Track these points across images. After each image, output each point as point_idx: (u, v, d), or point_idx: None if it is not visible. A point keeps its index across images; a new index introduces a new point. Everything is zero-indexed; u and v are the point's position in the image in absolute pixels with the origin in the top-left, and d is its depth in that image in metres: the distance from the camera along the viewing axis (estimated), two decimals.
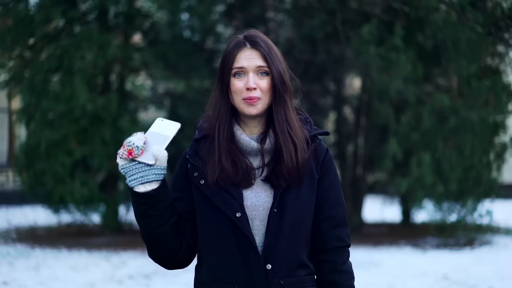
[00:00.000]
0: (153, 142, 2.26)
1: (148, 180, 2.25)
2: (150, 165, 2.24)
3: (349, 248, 2.45)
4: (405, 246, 11.99)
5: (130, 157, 2.24)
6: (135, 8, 13.72)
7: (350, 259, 2.44)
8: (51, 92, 12.29)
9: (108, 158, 12.60)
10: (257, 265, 2.29)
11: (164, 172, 2.27)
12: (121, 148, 2.26)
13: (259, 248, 2.31)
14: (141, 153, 2.23)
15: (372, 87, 12.68)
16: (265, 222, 2.32)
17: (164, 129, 2.29)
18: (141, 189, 2.26)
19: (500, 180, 12.42)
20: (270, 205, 2.32)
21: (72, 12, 12.90)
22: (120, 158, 2.26)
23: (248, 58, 2.34)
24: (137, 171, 2.25)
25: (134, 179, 2.25)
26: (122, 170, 2.27)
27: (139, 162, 2.24)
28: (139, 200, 2.28)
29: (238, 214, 2.29)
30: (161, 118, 2.31)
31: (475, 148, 11.64)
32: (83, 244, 11.79)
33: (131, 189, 2.28)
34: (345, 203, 2.46)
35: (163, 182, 2.29)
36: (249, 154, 2.36)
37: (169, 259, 2.41)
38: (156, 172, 2.25)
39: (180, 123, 2.34)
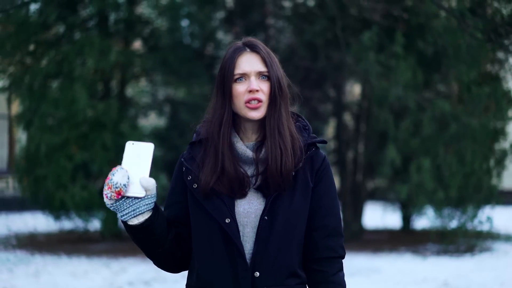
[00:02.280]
0: (133, 171, 2.22)
1: (140, 212, 2.24)
2: (140, 198, 2.23)
3: (343, 260, 2.42)
4: (405, 252, 11.98)
5: (120, 196, 2.21)
6: (135, 15, 13.76)
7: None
8: (51, 97, 12.31)
9: (109, 163, 12.60)
10: (244, 272, 2.27)
11: (154, 199, 2.26)
12: (106, 189, 2.20)
13: (249, 255, 2.29)
14: (128, 188, 2.21)
15: (372, 93, 12.69)
16: (256, 229, 2.30)
17: (140, 154, 2.24)
18: (134, 221, 2.25)
19: (500, 187, 12.41)
20: (261, 213, 2.31)
21: (73, 18, 12.93)
22: (109, 199, 2.21)
23: (249, 62, 2.34)
24: (127, 206, 2.23)
25: (126, 214, 2.23)
26: (112, 208, 2.24)
27: (128, 197, 2.22)
28: (134, 231, 2.27)
29: (227, 220, 2.28)
30: (131, 142, 2.25)
31: (476, 155, 11.64)
32: (83, 251, 11.77)
33: (124, 223, 2.27)
34: (340, 213, 2.43)
35: (155, 208, 2.28)
36: (244, 162, 2.35)
37: (176, 267, 2.44)
38: (146, 203, 2.24)
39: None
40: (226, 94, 2.35)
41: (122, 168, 2.21)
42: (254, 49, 2.36)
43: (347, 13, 12.71)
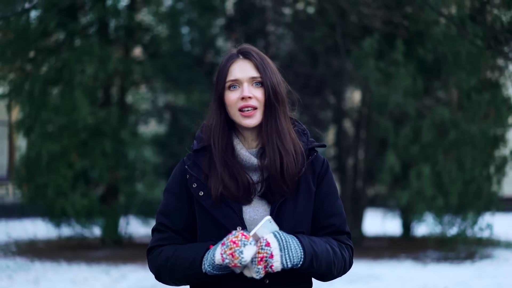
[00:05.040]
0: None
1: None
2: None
3: (353, 257, 2.44)
4: (405, 259, 11.96)
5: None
6: (135, 22, 13.78)
7: (350, 273, 2.43)
8: (51, 104, 12.32)
9: (109, 170, 12.60)
10: (255, 280, 2.27)
11: None
12: (228, 254, 2.18)
13: None
14: None
15: (372, 100, 12.69)
16: None
17: (265, 232, 2.24)
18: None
19: (500, 194, 12.40)
20: None
21: (73, 25, 12.94)
22: (223, 260, 2.20)
23: (241, 69, 2.35)
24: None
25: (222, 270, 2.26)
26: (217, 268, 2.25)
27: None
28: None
29: (238, 228, 2.29)
30: (270, 218, 2.24)
31: (475, 161, 11.64)
32: (83, 258, 11.76)
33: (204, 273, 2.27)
34: (344, 213, 2.44)
35: None
36: (249, 169, 2.36)
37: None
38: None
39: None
40: (221, 102, 2.37)
41: (254, 247, 2.19)
42: (246, 56, 2.37)
43: (347, 20, 12.73)
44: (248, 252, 2.15)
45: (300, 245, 2.23)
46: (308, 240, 2.26)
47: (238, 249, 2.15)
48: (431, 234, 12.79)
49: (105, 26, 13.37)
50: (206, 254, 2.24)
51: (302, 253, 2.22)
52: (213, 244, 2.26)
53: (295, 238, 2.24)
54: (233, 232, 2.19)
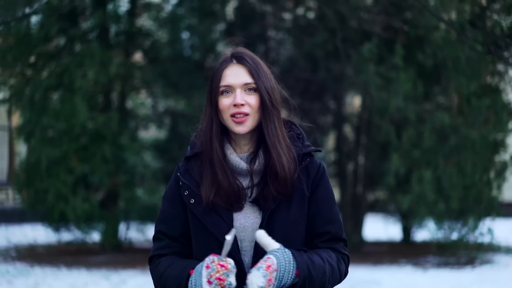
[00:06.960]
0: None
1: None
2: None
3: (349, 266, 2.40)
4: (405, 265, 11.94)
5: None
6: (136, 27, 13.80)
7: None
8: (51, 109, 12.32)
9: (109, 175, 12.59)
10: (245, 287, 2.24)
11: None
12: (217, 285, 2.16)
13: (248, 270, 2.26)
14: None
15: (372, 105, 12.70)
16: (253, 244, 2.29)
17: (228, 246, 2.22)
18: None
19: (500, 199, 12.38)
20: (258, 226, 2.29)
21: (73, 30, 12.96)
22: None
23: (235, 75, 2.32)
24: None
25: None
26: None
27: None
28: None
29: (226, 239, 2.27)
30: (229, 236, 2.21)
31: (476, 167, 11.63)
32: (83, 263, 11.74)
33: None
34: (340, 219, 2.41)
35: None
36: (239, 174, 2.33)
37: None
38: None
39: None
40: (214, 107, 2.34)
41: (234, 268, 2.18)
42: (240, 61, 2.34)
43: (347, 25, 12.75)
44: (232, 278, 2.16)
45: (294, 271, 2.20)
46: (307, 263, 2.23)
47: (226, 283, 2.15)
48: (431, 239, 12.78)
49: (105, 32, 13.38)
50: (190, 282, 2.21)
51: (294, 276, 2.20)
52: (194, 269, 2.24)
53: (293, 260, 2.21)
54: (210, 265, 2.16)
